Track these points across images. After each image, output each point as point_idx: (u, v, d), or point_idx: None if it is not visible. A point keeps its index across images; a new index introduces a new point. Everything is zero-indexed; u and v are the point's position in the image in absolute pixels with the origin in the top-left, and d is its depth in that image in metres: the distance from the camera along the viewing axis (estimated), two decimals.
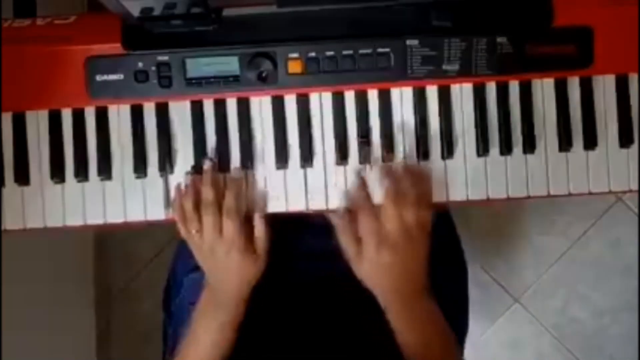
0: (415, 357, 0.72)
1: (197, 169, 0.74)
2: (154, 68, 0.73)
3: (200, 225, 0.70)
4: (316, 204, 0.75)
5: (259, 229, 0.72)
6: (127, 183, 0.75)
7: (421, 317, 0.73)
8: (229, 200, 0.71)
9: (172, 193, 0.74)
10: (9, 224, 0.75)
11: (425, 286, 0.73)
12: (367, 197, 0.72)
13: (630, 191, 0.76)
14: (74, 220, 0.75)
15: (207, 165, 0.73)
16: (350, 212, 0.72)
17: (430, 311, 0.74)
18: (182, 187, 0.73)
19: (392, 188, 0.69)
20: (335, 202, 0.74)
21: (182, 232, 0.72)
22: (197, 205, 0.71)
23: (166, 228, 0.75)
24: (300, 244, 0.85)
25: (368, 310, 0.78)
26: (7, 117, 0.75)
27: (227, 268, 0.72)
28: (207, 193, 0.71)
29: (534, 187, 0.75)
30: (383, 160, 0.74)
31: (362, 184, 0.73)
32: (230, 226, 0.70)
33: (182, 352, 0.76)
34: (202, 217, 0.70)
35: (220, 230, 0.70)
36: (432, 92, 0.75)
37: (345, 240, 0.71)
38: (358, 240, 0.70)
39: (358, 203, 0.71)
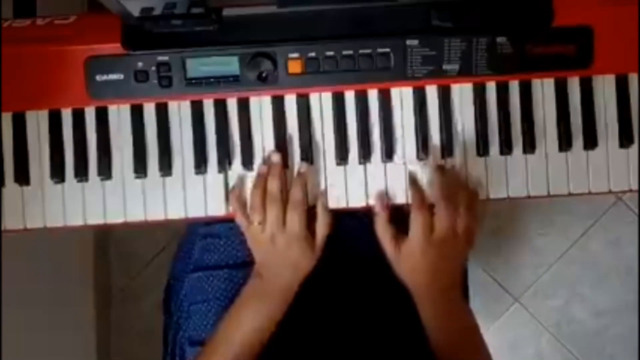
0: (447, 356, 0.72)
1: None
2: (154, 68, 0.73)
3: (263, 216, 0.71)
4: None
5: (323, 222, 0.72)
6: (127, 183, 0.75)
7: (453, 315, 0.73)
8: (295, 192, 0.71)
9: (170, 193, 0.74)
10: (9, 224, 0.75)
11: (459, 286, 0.74)
12: (423, 194, 0.72)
13: (630, 191, 0.76)
14: (74, 220, 0.75)
15: (275, 158, 0.73)
16: (389, 210, 0.72)
17: (462, 311, 0.75)
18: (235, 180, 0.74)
19: (447, 188, 0.69)
20: (335, 201, 0.74)
21: (243, 223, 0.72)
22: (263, 197, 0.71)
23: (166, 228, 0.75)
24: None
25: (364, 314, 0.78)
26: (7, 117, 0.75)
27: (285, 261, 0.71)
28: (274, 184, 0.71)
29: (534, 187, 0.75)
30: (418, 159, 0.74)
31: (415, 181, 0.73)
32: (295, 218, 0.70)
33: (212, 347, 0.73)
34: (266, 208, 0.70)
35: (283, 223, 0.70)
36: (432, 92, 0.75)
37: (385, 237, 0.71)
38: (397, 238, 0.71)
39: (414, 200, 0.71)
